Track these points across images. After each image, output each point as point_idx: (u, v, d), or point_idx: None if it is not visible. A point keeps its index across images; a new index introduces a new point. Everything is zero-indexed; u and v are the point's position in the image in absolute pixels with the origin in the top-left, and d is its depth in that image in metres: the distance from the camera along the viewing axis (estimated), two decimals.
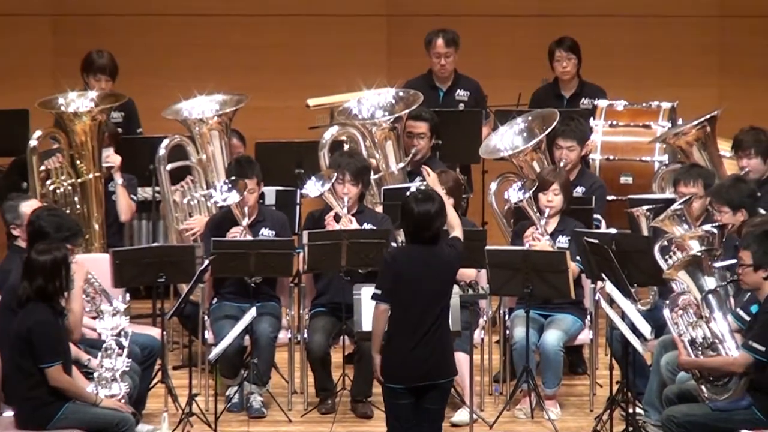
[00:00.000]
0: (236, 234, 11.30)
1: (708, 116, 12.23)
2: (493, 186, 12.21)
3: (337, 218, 11.40)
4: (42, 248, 9.80)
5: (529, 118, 12.45)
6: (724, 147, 12.20)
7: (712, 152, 12.24)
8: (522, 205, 11.39)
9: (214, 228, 11.50)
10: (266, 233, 11.48)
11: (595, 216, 11.87)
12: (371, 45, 14.62)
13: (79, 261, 10.29)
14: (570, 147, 12.13)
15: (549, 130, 12.22)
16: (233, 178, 11.39)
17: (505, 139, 12.38)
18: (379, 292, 9.34)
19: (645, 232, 10.96)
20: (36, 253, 9.77)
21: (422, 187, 10.76)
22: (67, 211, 11.79)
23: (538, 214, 11.37)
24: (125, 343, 10.18)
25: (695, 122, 12.24)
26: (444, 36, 13.14)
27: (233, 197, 11.28)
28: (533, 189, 11.36)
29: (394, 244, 11.09)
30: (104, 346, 10.13)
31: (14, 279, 10.19)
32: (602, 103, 13.06)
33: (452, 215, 9.74)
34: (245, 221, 11.36)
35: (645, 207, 11.14)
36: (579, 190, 12.08)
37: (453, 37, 13.16)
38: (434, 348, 9.37)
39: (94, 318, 10.39)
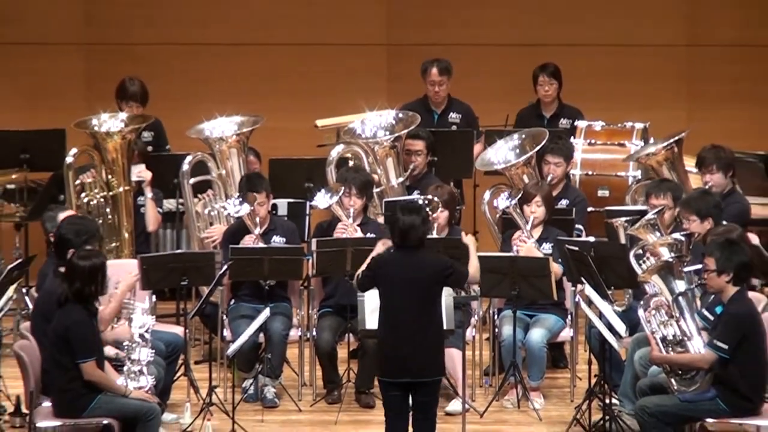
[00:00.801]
0: (249, 242, 11.30)
1: (675, 139, 12.24)
2: (487, 195, 12.20)
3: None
4: (83, 254, 9.81)
5: (522, 136, 12.47)
6: (691, 164, 12.18)
7: (680, 170, 12.24)
8: (509, 211, 11.41)
9: (230, 236, 11.51)
10: (278, 240, 11.47)
11: (577, 226, 11.86)
12: (373, 71, 14.62)
13: (133, 273, 10.43)
14: (557, 163, 12.16)
15: (538, 147, 12.24)
16: (244, 192, 11.44)
17: (500, 154, 12.40)
18: (360, 280, 9.58)
19: (623, 240, 10.94)
20: (77, 258, 9.78)
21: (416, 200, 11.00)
22: (99, 221, 11.79)
23: (524, 219, 11.37)
24: (148, 336, 10.18)
25: (664, 144, 12.23)
26: (438, 65, 13.13)
27: (244, 209, 11.31)
28: (518, 197, 11.40)
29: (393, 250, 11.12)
30: (132, 341, 10.11)
31: (49, 283, 10.24)
32: (582, 124, 13.08)
33: (473, 259, 9.95)
34: (257, 230, 11.35)
35: (623, 218, 11.14)
36: (563, 203, 12.08)
37: (446, 66, 13.14)
38: (418, 347, 9.41)
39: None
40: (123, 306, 10.33)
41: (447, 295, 9.94)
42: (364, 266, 9.64)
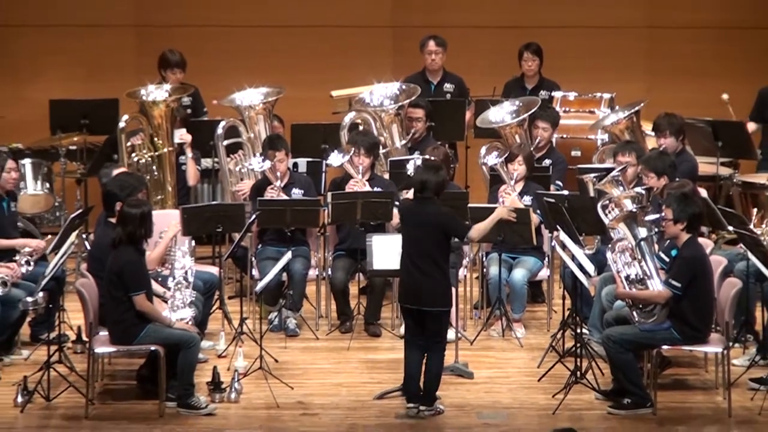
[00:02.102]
0: (272, 192, 11.31)
1: (634, 110, 12.28)
2: (483, 150, 12.20)
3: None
4: (133, 203, 9.85)
5: (518, 102, 12.44)
6: (649, 128, 12.18)
7: (638, 136, 12.25)
8: (496, 167, 11.42)
9: (256, 190, 11.51)
10: (297, 192, 11.47)
11: (557, 182, 11.85)
12: (380, 49, 14.55)
13: (175, 221, 10.42)
14: (545, 128, 12.16)
15: (530, 112, 12.23)
16: (266, 150, 11.49)
17: (498, 115, 12.36)
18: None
19: (591, 193, 10.92)
20: (128, 206, 9.81)
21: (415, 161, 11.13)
22: (147, 177, 11.81)
23: (509, 175, 11.34)
24: (191, 278, 10.18)
25: (625, 114, 12.28)
26: (435, 39, 13.09)
27: (266, 165, 11.33)
28: (505, 156, 11.39)
29: (397, 202, 11.14)
30: (175, 281, 10.13)
31: (100, 231, 10.30)
32: (558, 94, 13.12)
33: (485, 223, 10.10)
34: (278, 183, 11.35)
35: (591, 174, 11.12)
36: (547, 162, 12.06)
37: (442, 41, 13.10)
38: (423, 278, 9.57)
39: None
40: (167, 252, 10.35)
41: None
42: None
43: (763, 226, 10.68)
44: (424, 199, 9.66)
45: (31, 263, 10.62)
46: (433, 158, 11.13)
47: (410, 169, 11.34)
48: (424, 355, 9.66)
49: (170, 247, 10.40)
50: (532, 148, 11.93)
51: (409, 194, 10.15)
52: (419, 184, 9.67)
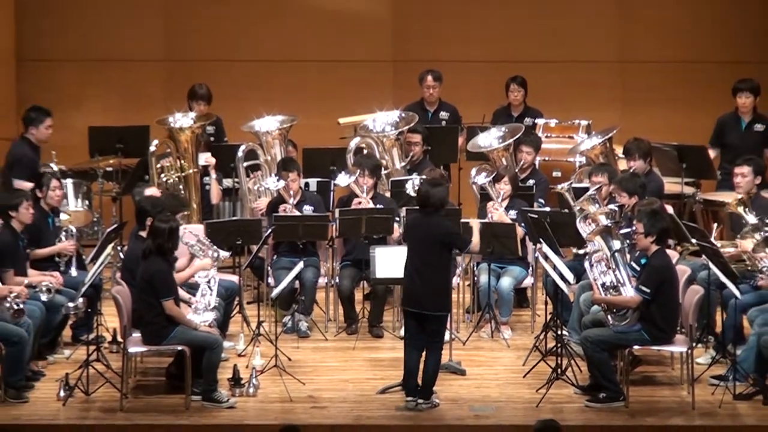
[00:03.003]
0: (285, 208, 11.29)
1: (607, 137, 12.26)
2: (473, 172, 12.13)
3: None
4: (163, 219, 9.85)
5: (504, 129, 12.42)
6: (619, 151, 12.17)
7: (611, 159, 12.22)
8: (485, 186, 11.42)
9: (272, 207, 11.49)
10: (308, 209, 11.44)
11: (540, 200, 11.83)
12: (382, 81, 14.54)
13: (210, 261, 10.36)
14: (528, 152, 12.12)
15: (515, 137, 12.22)
16: (280, 171, 11.50)
17: (487, 140, 12.35)
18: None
19: (571, 203, 10.91)
20: (158, 221, 9.83)
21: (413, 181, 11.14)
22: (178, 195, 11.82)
23: (496, 193, 11.34)
24: (214, 286, 10.16)
25: (600, 140, 12.26)
26: (432, 74, 13.09)
27: (280, 184, 11.33)
28: (493, 176, 11.40)
29: (397, 218, 11.14)
30: (200, 288, 10.12)
31: (131, 243, 10.33)
32: (540, 121, 13.08)
33: (476, 237, 10.22)
34: (291, 200, 11.32)
35: (564, 184, 11.17)
36: (531, 182, 12.03)
37: (439, 75, 13.10)
38: (426, 284, 9.55)
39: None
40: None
41: None
42: None
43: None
44: (429, 212, 9.66)
45: (72, 266, 10.71)
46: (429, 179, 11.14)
47: (409, 188, 11.35)
48: (422, 354, 9.64)
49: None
50: (517, 170, 11.94)
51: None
52: (424, 199, 9.66)
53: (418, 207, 9.83)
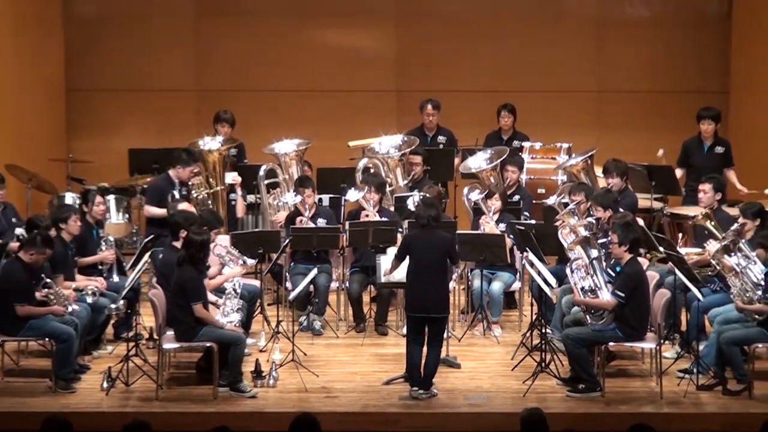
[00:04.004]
0: (302, 220, 11.29)
1: (588, 154, 12.25)
2: (465, 190, 12.12)
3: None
4: (196, 231, 9.87)
5: (491, 151, 12.41)
6: (599, 171, 12.16)
7: (591, 175, 12.19)
8: (478, 202, 11.41)
9: (289, 220, 11.47)
10: (321, 222, 11.42)
11: (525, 213, 11.81)
12: (387, 109, 14.57)
13: (240, 269, 10.35)
14: (513, 171, 12.07)
15: (501, 159, 12.21)
16: (297, 188, 11.52)
17: (476, 162, 12.32)
18: (396, 254, 9.78)
19: (560, 211, 10.93)
20: (192, 234, 9.84)
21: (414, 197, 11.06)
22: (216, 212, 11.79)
23: (488, 208, 11.34)
24: (238, 289, 10.18)
25: (582, 158, 12.24)
26: (431, 102, 13.06)
27: (297, 199, 11.34)
28: (485, 193, 11.41)
29: (400, 229, 11.15)
30: (226, 292, 10.14)
31: (166, 253, 10.31)
32: (527, 144, 13.02)
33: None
34: (307, 214, 11.34)
35: (557, 199, 11.21)
36: (516, 197, 12.01)
37: (437, 104, 13.07)
38: (429, 290, 9.56)
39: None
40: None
41: None
42: (399, 244, 10.00)
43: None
44: (432, 228, 9.66)
45: (113, 272, 10.74)
46: (428, 195, 11.16)
47: (410, 203, 11.35)
48: (422, 350, 9.65)
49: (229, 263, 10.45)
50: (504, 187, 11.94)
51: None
52: (426, 218, 9.66)
53: (419, 224, 9.77)
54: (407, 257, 9.73)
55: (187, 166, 11.66)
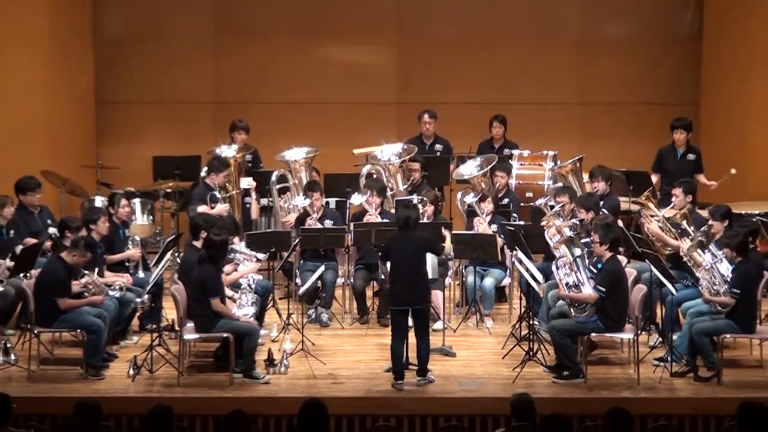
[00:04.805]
0: (311, 221, 11.29)
1: (578, 157, 12.25)
2: (459, 194, 12.16)
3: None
4: (216, 232, 9.87)
5: (481, 158, 12.39)
6: (585, 176, 12.16)
7: (579, 179, 12.18)
8: (472, 205, 11.40)
9: (299, 221, 11.47)
10: (328, 222, 11.42)
11: (514, 215, 11.80)
12: (388, 119, 14.50)
13: (254, 266, 10.36)
14: (501, 176, 12.05)
15: (490, 165, 12.18)
16: (306, 191, 11.52)
17: (467, 169, 12.29)
18: (380, 256, 9.93)
19: (547, 213, 10.90)
20: (212, 234, 9.85)
21: (413, 200, 10.98)
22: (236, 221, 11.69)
23: (481, 210, 11.32)
24: (253, 285, 10.19)
25: (570, 161, 12.23)
26: (428, 113, 13.03)
27: (306, 202, 11.33)
28: (479, 197, 11.39)
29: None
30: (241, 287, 10.14)
31: (187, 252, 10.33)
32: (516, 152, 12.96)
33: (448, 242, 10.27)
34: (315, 216, 11.34)
35: (544, 200, 11.15)
36: (505, 200, 11.98)
37: (434, 114, 13.04)
38: (410, 285, 9.52)
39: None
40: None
41: (433, 258, 9.99)
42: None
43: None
44: (410, 229, 9.62)
45: (139, 268, 10.74)
46: (426, 198, 11.15)
47: None
48: (404, 344, 9.61)
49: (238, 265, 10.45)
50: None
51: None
52: (404, 219, 9.62)
53: (398, 225, 9.75)
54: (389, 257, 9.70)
55: (221, 171, 11.65)
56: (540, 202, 11.24)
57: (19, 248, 10.46)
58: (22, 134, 13.12)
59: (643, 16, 14.65)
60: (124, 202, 11.05)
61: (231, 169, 12.06)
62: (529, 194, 12.48)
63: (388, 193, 11.97)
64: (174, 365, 9.81)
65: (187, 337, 9.88)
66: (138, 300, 10.13)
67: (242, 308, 9.97)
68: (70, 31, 14.10)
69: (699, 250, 10.06)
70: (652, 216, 10.72)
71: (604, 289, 9.65)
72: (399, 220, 9.73)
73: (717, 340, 9.77)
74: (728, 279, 9.76)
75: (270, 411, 9.29)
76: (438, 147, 13.13)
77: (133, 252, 10.83)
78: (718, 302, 9.74)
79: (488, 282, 11.20)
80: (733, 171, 12.21)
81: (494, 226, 11.28)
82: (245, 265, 10.35)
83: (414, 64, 14.76)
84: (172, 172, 13.00)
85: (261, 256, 10.56)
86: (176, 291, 9.93)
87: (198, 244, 10.14)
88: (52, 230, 10.75)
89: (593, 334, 9.83)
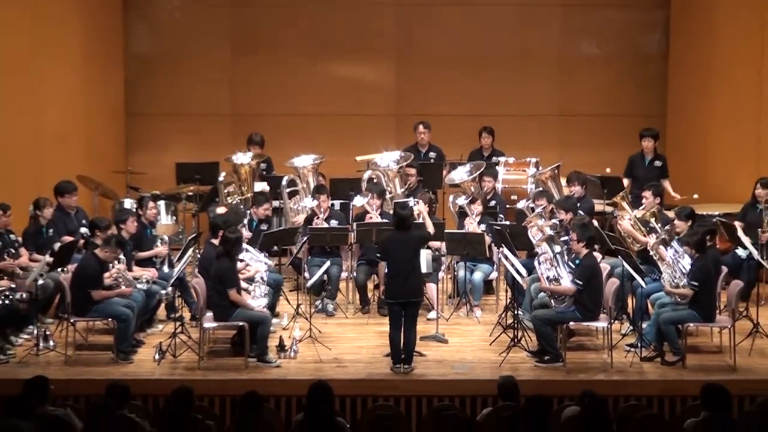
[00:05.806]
0: (318, 221, 11.28)
1: (556, 165, 12.22)
2: (452, 197, 12.11)
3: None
4: (231, 230, 9.86)
5: (470, 165, 12.35)
6: (563, 181, 12.14)
7: (558, 184, 12.16)
8: (463, 206, 11.38)
9: (307, 221, 11.46)
10: (333, 222, 11.40)
11: (500, 216, 11.76)
12: (387, 129, 14.49)
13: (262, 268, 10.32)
14: (489, 180, 12.03)
15: (479, 171, 12.15)
16: (313, 194, 11.50)
17: (458, 175, 12.25)
18: (378, 256, 9.93)
19: (528, 215, 10.88)
20: (228, 233, 9.83)
21: (410, 202, 10.92)
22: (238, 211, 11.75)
23: (471, 211, 11.30)
24: (265, 278, 10.17)
25: (549, 168, 12.21)
26: (423, 123, 13.02)
27: (313, 204, 11.34)
28: (469, 199, 11.37)
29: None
30: (255, 280, 10.13)
31: (206, 248, 10.31)
32: (503, 159, 12.94)
33: (429, 222, 10.03)
34: (322, 216, 11.32)
35: (525, 202, 11.14)
36: (493, 203, 11.96)
37: (428, 124, 13.02)
38: (405, 280, 9.45)
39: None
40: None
41: (428, 253, 9.97)
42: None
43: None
44: (405, 228, 9.59)
45: (164, 264, 10.71)
46: (421, 201, 11.13)
47: None
48: (401, 333, 9.58)
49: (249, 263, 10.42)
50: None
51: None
52: (400, 220, 9.59)
53: (393, 226, 9.71)
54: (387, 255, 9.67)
55: (260, 206, 11.29)
56: (521, 205, 11.24)
57: (57, 245, 10.47)
58: (60, 142, 13.12)
59: (616, 37, 14.67)
60: (151, 204, 11.05)
61: (236, 175, 12.03)
62: (513, 197, 12.46)
63: (387, 195, 11.95)
64: (195, 350, 9.81)
65: (206, 325, 9.87)
66: (163, 292, 10.17)
67: (256, 299, 9.97)
68: (104, 50, 14.12)
69: (662, 247, 10.06)
70: (624, 215, 10.72)
71: (581, 283, 9.64)
72: (395, 220, 9.70)
73: (681, 329, 9.76)
74: (688, 273, 9.74)
75: (281, 392, 9.28)
76: (432, 154, 13.10)
77: (160, 249, 10.83)
78: (678, 294, 9.76)
79: (477, 276, 11.19)
80: (695, 196, 12.22)
81: (483, 226, 11.27)
82: (254, 265, 10.33)
83: (411, 80, 14.76)
84: (193, 177, 12.99)
85: (269, 261, 10.51)
86: (197, 284, 9.93)
87: (216, 241, 10.13)
88: (83, 230, 10.77)
89: (571, 323, 9.82)
